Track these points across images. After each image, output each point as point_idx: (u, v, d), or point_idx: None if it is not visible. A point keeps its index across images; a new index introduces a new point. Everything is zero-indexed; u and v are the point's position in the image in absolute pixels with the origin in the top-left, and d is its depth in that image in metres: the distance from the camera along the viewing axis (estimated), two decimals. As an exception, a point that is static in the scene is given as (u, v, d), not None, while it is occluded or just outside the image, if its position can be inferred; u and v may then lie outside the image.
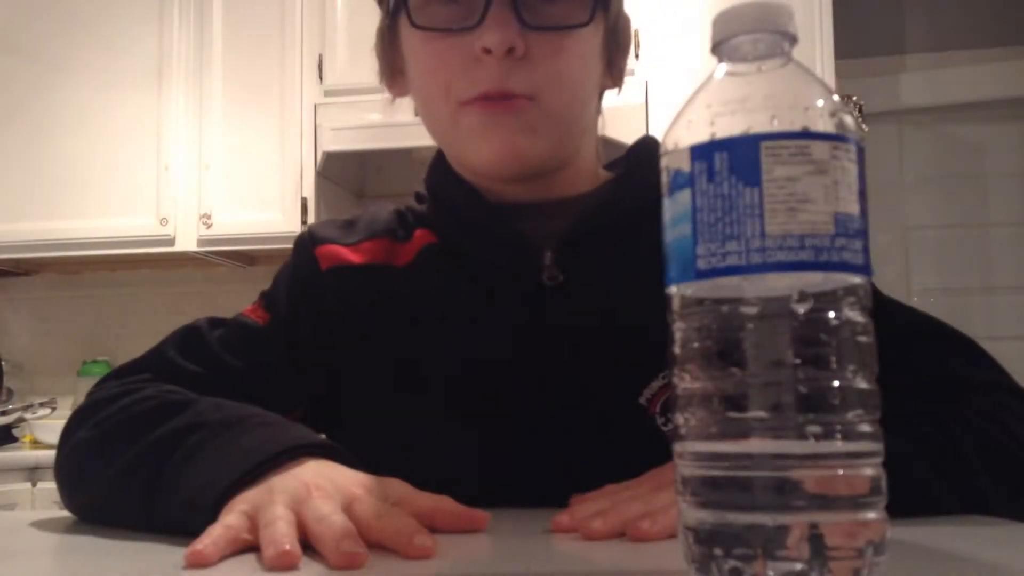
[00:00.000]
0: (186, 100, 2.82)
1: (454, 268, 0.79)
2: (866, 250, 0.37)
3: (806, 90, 0.39)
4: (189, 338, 0.80)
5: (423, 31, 0.71)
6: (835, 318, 0.36)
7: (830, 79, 2.42)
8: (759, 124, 0.36)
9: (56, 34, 2.89)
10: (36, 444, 2.70)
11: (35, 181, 2.85)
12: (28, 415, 2.77)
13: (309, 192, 2.71)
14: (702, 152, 0.37)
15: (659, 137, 0.41)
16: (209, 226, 2.76)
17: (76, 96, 2.85)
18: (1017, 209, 3.38)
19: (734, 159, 0.36)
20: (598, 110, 0.83)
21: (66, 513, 0.71)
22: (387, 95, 0.83)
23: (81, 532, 0.64)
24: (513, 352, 0.74)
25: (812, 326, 0.36)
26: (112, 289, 3.19)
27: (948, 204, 3.43)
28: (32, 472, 2.46)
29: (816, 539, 0.35)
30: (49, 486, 2.43)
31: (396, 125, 2.36)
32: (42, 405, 2.80)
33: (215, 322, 0.81)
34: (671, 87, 2.53)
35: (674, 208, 0.38)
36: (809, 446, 0.35)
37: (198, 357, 0.78)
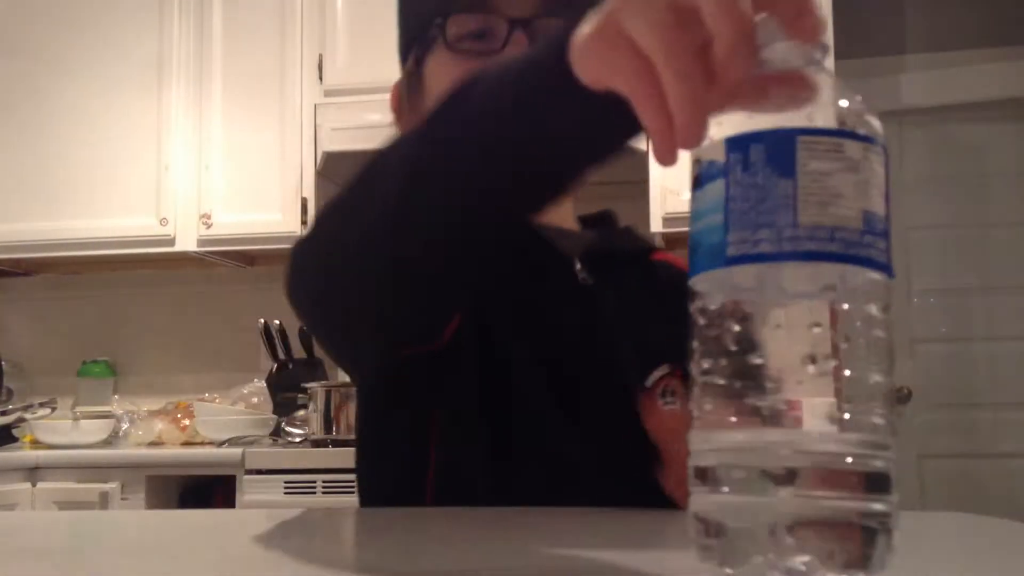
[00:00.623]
0: (186, 100, 2.82)
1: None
2: (888, 250, 0.38)
3: (839, 94, 0.40)
4: None
5: (461, 55, 0.81)
6: (855, 312, 0.37)
7: (830, 79, 2.42)
8: (795, 121, 0.38)
9: (56, 34, 2.89)
10: (36, 444, 2.70)
11: (35, 181, 2.85)
12: (28, 415, 2.77)
13: (309, 192, 2.71)
14: (738, 143, 0.38)
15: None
16: (209, 226, 2.76)
17: (76, 96, 2.85)
18: (1017, 209, 3.38)
19: (770, 151, 0.37)
20: None
21: (68, 513, 0.70)
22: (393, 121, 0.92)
23: (83, 532, 0.64)
24: (571, 339, 0.84)
25: (832, 319, 0.37)
26: (112, 289, 3.19)
27: (948, 204, 3.42)
28: (32, 472, 2.46)
29: (824, 529, 0.35)
30: (49, 486, 2.43)
31: (396, 125, 2.36)
32: (42, 405, 2.80)
33: None
34: (671, 87, 2.53)
35: (704, 199, 0.39)
36: (822, 437, 0.36)
37: None
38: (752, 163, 0.37)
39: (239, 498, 2.37)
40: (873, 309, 0.38)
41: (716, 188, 0.38)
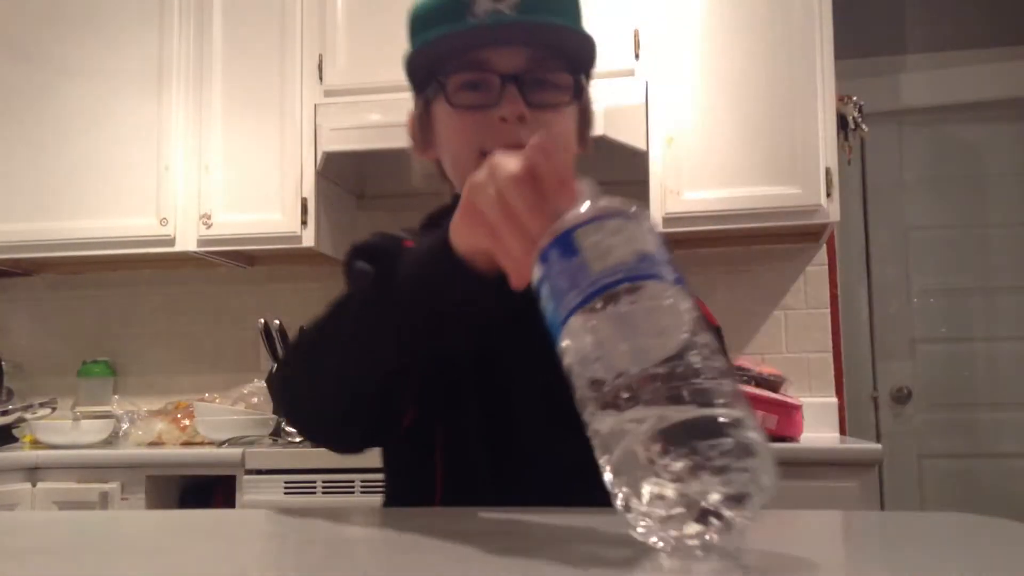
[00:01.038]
0: (186, 100, 2.82)
1: None
2: (673, 267, 0.54)
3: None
4: None
5: (459, 109, 0.93)
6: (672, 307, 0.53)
7: (830, 79, 2.41)
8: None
9: (57, 36, 2.89)
10: (36, 444, 2.70)
11: (35, 181, 2.85)
12: (28, 415, 2.77)
13: (309, 192, 2.71)
14: (541, 256, 0.56)
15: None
16: (209, 226, 2.76)
17: (77, 97, 2.86)
18: (1017, 209, 3.38)
19: (559, 248, 0.55)
20: None
21: (68, 513, 0.70)
22: (420, 157, 1.06)
23: (83, 532, 0.64)
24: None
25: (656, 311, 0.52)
26: (112, 289, 3.19)
27: (948, 204, 3.43)
28: (32, 472, 2.46)
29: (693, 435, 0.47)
30: (49, 486, 2.43)
31: (396, 125, 2.34)
32: (42, 405, 2.80)
33: None
34: (671, 87, 2.53)
35: (543, 297, 0.57)
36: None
37: None
38: (552, 262, 0.55)
39: (239, 498, 2.37)
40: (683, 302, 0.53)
41: (544, 288, 0.56)
